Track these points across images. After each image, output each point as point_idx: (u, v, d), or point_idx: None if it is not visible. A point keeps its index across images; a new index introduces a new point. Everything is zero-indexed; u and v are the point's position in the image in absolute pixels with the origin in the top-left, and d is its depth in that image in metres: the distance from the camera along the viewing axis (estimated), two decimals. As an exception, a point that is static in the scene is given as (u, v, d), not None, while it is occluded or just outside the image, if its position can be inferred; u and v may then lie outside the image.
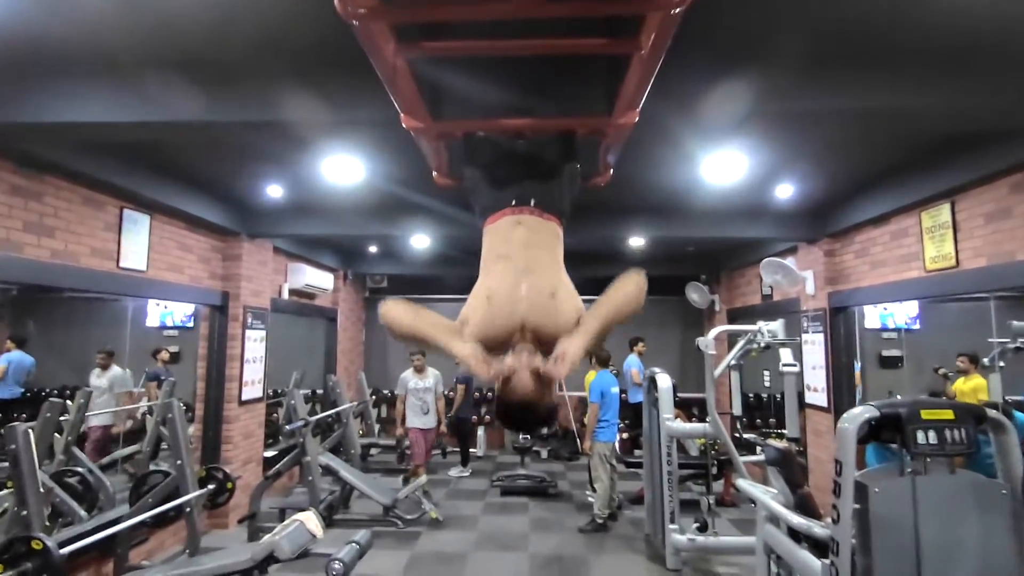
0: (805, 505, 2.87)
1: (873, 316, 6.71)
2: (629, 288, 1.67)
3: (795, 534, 2.78)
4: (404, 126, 1.77)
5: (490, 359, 1.52)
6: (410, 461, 6.33)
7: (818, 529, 2.57)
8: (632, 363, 6.94)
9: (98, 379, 5.65)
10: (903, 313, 6.73)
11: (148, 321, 7.26)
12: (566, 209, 1.91)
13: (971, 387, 5.37)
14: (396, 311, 1.66)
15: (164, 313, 7.08)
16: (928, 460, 2.24)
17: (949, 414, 2.21)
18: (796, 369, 3.90)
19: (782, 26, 2.29)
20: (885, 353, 7.09)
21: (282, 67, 2.59)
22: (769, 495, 3.06)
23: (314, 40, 2.37)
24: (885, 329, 7.05)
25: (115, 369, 5.74)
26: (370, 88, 1.96)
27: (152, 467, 5.36)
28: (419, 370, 6.29)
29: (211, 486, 4.05)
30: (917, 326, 6.89)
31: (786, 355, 3.98)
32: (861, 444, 2.33)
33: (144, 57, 2.55)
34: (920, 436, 2.18)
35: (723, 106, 2.54)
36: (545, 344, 1.59)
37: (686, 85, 2.49)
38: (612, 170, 2.32)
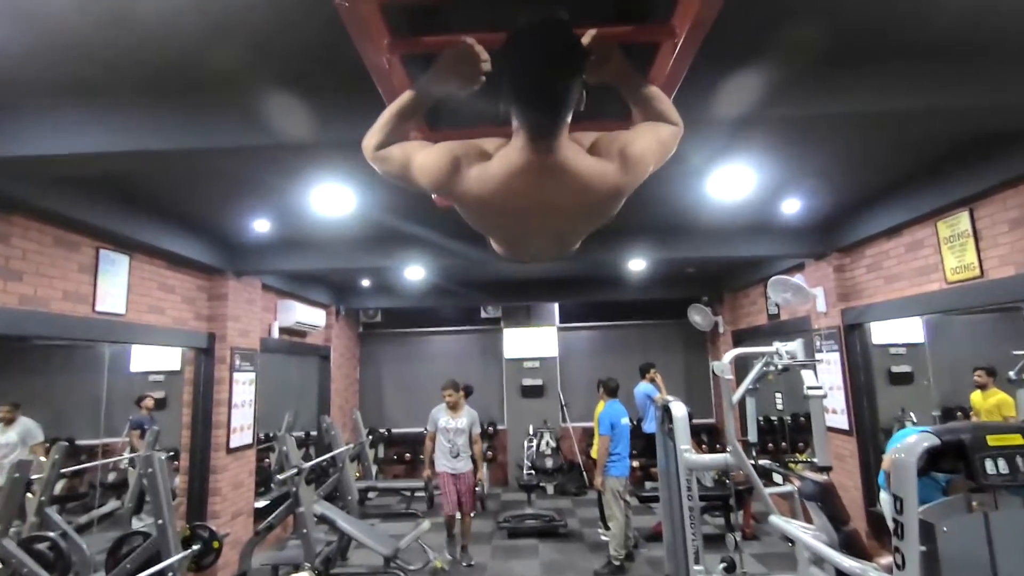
0: (852, 544, 2.61)
1: (880, 332, 6.52)
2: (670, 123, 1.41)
3: (844, 577, 2.51)
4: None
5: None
6: (438, 508, 5.92)
7: (874, 574, 2.30)
8: (644, 390, 6.68)
9: (4, 435, 5.16)
10: (912, 329, 6.55)
11: (132, 366, 6.96)
12: None
13: (994, 403, 5.14)
14: (370, 134, 1.37)
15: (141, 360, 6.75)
16: (998, 492, 2.00)
17: (1018, 439, 1.98)
18: (822, 392, 3.66)
19: (793, 20, 2.13)
20: (895, 369, 6.89)
21: (267, 86, 2.40)
22: (809, 533, 2.79)
23: (300, 53, 2.19)
24: (893, 345, 6.87)
25: (23, 421, 5.25)
26: (361, 105, 1.78)
27: (135, 522, 5.01)
28: (453, 407, 5.55)
29: (195, 547, 3.71)
30: (922, 340, 6.71)
31: (809, 377, 3.75)
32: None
33: (118, 81, 2.36)
34: (989, 465, 1.94)
35: (731, 109, 2.37)
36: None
37: (691, 91, 2.32)
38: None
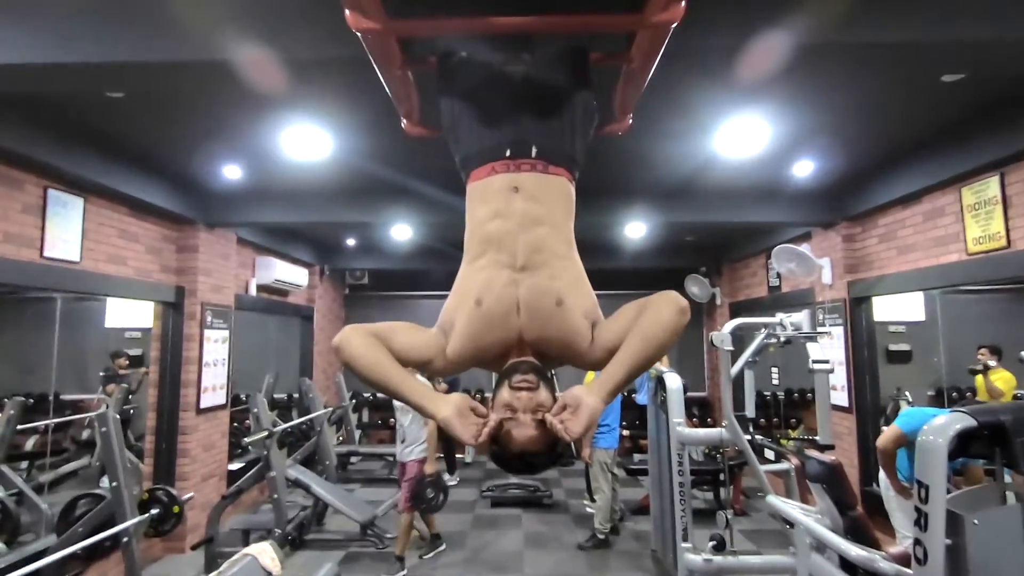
0: (858, 530, 2.39)
1: (880, 310, 6.31)
2: (664, 316, 1.25)
3: (849, 566, 2.29)
4: (351, 27, 1.23)
5: (479, 414, 1.20)
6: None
7: (885, 564, 2.08)
8: None
9: None
10: (912, 306, 6.32)
11: (107, 321, 6.67)
12: (579, 156, 1.40)
13: (993, 379, 4.96)
14: (355, 347, 1.25)
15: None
16: (1038, 481, 1.76)
17: (1068, 423, 1.73)
18: (829, 367, 3.42)
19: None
20: (892, 347, 6.70)
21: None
22: (811, 517, 2.57)
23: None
24: (893, 323, 6.65)
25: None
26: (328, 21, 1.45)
27: (104, 482, 4.80)
28: None
29: (154, 511, 3.48)
30: (922, 318, 6.50)
31: (815, 350, 3.50)
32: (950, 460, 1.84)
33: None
34: (1033, 452, 1.69)
35: (757, 50, 2.04)
36: (549, 359, 1.32)
37: (699, 18, 1.99)
38: (632, 114, 1.80)
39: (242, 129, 3.50)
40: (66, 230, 3.67)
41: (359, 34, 1.26)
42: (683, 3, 1.23)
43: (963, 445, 1.87)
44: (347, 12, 1.22)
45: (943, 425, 1.79)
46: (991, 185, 3.45)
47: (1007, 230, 3.35)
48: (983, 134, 3.35)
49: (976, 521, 1.71)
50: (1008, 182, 3.36)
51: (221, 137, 3.66)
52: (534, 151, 1.31)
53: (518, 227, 1.27)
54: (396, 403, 4.36)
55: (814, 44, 2.11)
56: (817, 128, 3.56)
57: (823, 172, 4.34)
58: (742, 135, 3.53)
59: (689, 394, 7.17)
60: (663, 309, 1.24)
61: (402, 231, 6.00)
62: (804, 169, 4.25)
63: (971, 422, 1.76)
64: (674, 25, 1.26)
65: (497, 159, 1.31)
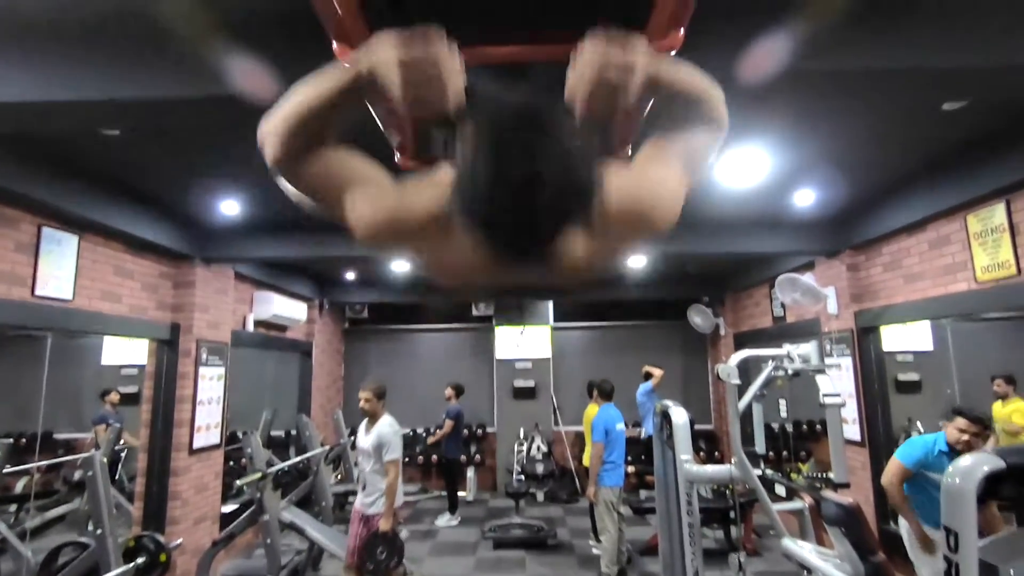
0: (881, 578, 2.25)
1: (888, 339, 6.21)
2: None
3: (873, 618, 2.15)
4: (338, 58, 1.19)
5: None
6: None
7: (913, 617, 1.94)
8: (644, 389, 6.29)
9: None
10: (921, 336, 6.22)
11: (104, 359, 6.58)
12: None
13: (1008, 411, 4.84)
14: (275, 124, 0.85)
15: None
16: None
17: (1104, 464, 1.63)
18: (840, 400, 3.31)
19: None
20: (902, 377, 6.56)
21: (218, 33, 2.03)
22: (830, 562, 2.43)
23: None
24: (901, 352, 6.54)
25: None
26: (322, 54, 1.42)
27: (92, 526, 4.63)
28: (368, 415, 3.74)
29: (139, 560, 3.33)
30: (931, 348, 6.39)
31: (825, 383, 3.39)
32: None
33: (61, 20, 2.00)
34: (1069, 495, 1.59)
35: (752, 65, 2.00)
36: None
37: (701, 42, 1.96)
38: (631, 145, 1.75)
39: (239, 164, 3.48)
40: (59, 267, 3.62)
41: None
42: (682, 31, 1.18)
43: (991, 488, 1.76)
44: (334, 44, 1.18)
45: (970, 467, 1.69)
46: (997, 212, 3.40)
47: (1016, 258, 3.28)
48: (987, 161, 3.32)
49: (1013, 572, 1.60)
50: (1015, 209, 3.30)
51: (218, 172, 3.64)
52: None
53: None
54: (360, 443, 3.71)
55: (812, 71, 2.09)
56: (818, 156, 3.53)
57: (825, 200, 4.31)
58: (742, 165, 3.50)
59: (696, 427, 7.01)
60: None
61: (401, 264, 5.96)
62: (806, 198, 4.21)
63: (1000, 464, 1.66)
64: (672, 53, 1.21)
65: None
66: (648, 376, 6.34)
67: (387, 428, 3.61)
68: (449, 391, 6.96)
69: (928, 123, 3.06)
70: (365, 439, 3.65)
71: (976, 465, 1.68)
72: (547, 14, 1.28)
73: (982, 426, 2.88)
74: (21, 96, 2.19)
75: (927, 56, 2.03)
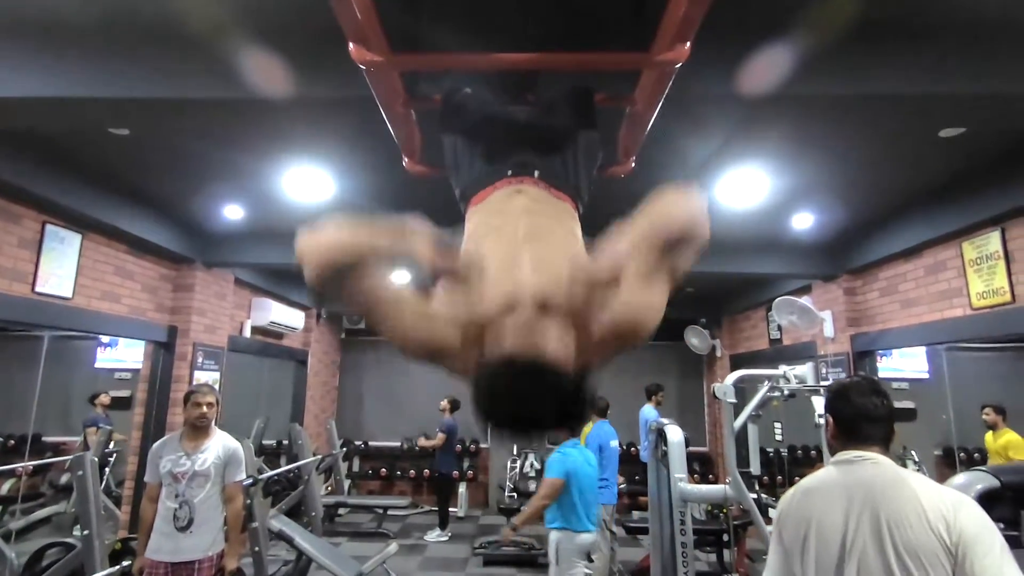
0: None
1: (881, 366, 6.22)
2: (668, 201, 1.07)
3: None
4: (354, 60, 1.22)
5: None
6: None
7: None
8: (649, 414, 6.25)
9: None
10: (915, 363, 6.23)
11: (98, 362, 6.55)
12: (583, 189, 1.36)
13: (1003, 444, 4.82)
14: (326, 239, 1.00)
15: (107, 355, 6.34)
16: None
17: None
18: (835, 421, 3.30)
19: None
20: (897, 405, 6.55)
21: (239, 34, 2.07)
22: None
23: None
24: (895, 380, 6.55)
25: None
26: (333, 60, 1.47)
27: (77, 530, 4.57)
28: (195, 431, 2.84)
29: (125, 563, 3.28)
30: (926, 375, 6.41)
31: (820, 404, 3.40)
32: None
33: (73, 19, 2.04)
34: (1063, 515, 1.59)
35: (748, 83, 2.05)
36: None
37: (699, 63, 2.01)
38: (635, 157, 1.79)
39: (245, 169, 3.52)
40: (60, 266, 3.63)
41: (363, 68, 1.25)
42: (688, 45, 1.22)
43: (985, 507, 1.77)
44: (351, 45, 1.22)
45: (963, 486, 1.69)
46: (992, 240, 3.45)
47: (1011, 285, 3.31)
48: (982, 189, 3.37)
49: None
50: (1009, 237, 3.35)
51: (224, 177, 3.67)
52: (536, 173, 1.26)
53: (522, 212, 1.16)
54: (182, 465, 2.77)
55: (809, 96, 2.14)
56: (816, 180, 3.58)
57: (823, 224, 4.36)
58: (742, 184, 3.55)
59: (690, 449, 6.96)
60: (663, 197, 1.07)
61: (401, 276, 5.98)
62: (804, 221, 4.26)
63: (994, 482, 1.67)
64: (678, 65, 1.25)
65: (499, 179, 1.26)
66: (659, 404, 6.28)
67: (233, 442, 2.93)
68: (444, 403, 6.93)
69: (925, 150, 3.12)
70: (187, 460, 2.76)
71: (970, 484, 1.69)
72: (555, 29, 1.32)
73: None
74: (33, 92, 2.23)
75: (924, 83, 2.08)
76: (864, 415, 1.34)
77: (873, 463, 1.31)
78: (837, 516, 1.26)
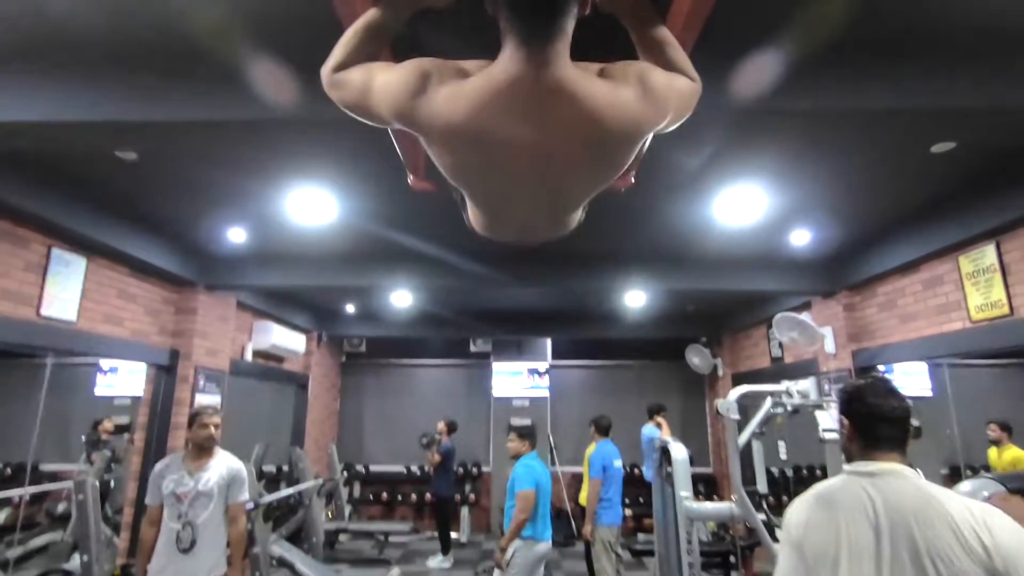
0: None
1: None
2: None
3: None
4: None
5: None
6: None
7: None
8: (651, 433, 6.21)
9: None
10: (918, 380, 6.22)
11: (97, 389, 6.53)
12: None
13: (1009, 460, 4.79)
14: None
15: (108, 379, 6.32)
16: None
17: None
18: (839, 436, 3.30)
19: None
20: (901, 422, 6.52)
21: (248, 55, 2.14)
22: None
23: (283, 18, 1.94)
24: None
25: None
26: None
27: (75, 559, 4.49)
28: (199, 451, 2.86)
29: (125, 588, 3.24)
30: (929, 394, 6.38)
31: (824, 419, 3.40)
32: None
33: (81, 43, 2.10)
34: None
35: (741, 91, 2.10)
36: None
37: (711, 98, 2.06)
38: (636, 171, 1.83)
39: (247, 191, 3.57)
40: (65, 289, 3.66)
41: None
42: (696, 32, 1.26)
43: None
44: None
45: (969, 492, 1.69)
46: (988, 253, 3.49)
47: (1008, 297, 3.34)
48: (977, 203, 3.42)
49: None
50: (1005, 250, 3.39)
51: (226, 199, 3.72)
52: None
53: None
54: (186, 485, 2.76)
55: (801, 111, 2.19)
56: (813, 197, 3.63)
57: (821, 241, 4.40)
58: (740, 202, 3.60)
59: (694, 470, 6.88)
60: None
61: (402, 297, 6.01)
62: (802, 238, 4.31)
63: (1000, 489, 1.67)
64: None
65: None
66: (659, 425, 6.24)
67: (236, 462, 2.94)
68: (441, 426, 6.87)
69: (918, 165, 3.17)
70: (191, 480, 2.76)
71: (976, 491, 1.69)
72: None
73: None
74: (40, 116, 2.28)
75: (913, 98, 2.14)
76: (880, 416, 1.32)
77: (894, 476, 1.27)
78: (866, 535, 1.21)
